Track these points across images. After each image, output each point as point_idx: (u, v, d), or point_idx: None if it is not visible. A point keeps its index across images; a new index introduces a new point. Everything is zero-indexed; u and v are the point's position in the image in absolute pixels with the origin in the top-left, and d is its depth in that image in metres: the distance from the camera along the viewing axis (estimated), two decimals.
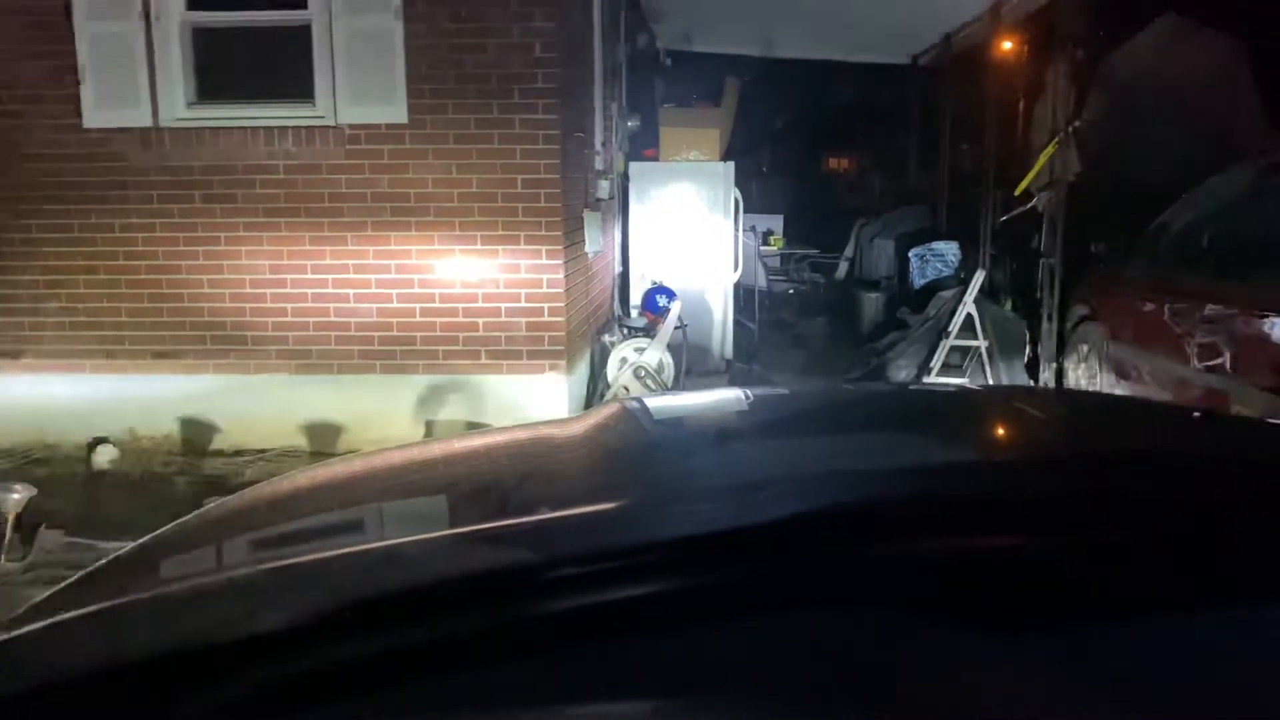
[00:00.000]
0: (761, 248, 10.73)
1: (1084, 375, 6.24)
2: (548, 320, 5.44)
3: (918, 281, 8.80)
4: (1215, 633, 1.00)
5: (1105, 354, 5.89)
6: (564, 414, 5.36)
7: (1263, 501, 1.24)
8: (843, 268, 11.31)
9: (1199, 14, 7.82)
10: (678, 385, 6.12)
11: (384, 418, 5.39)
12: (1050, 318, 6.67)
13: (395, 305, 5.46)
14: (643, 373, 6.05)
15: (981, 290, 6.92)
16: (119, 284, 5.53)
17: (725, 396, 2.45)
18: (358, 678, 0.94)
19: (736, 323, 7.96)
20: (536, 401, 5.39)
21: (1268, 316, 4.40)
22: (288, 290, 5.49)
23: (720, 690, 0.95)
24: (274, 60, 5.42)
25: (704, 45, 10.82)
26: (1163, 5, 8.00)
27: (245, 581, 1.28)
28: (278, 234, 5.44)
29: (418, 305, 5.46)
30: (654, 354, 6.11)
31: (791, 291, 11.49)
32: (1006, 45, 8.71)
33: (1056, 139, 6.84)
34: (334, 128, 5.34)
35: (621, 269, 7.88)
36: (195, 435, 5.52)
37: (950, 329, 6.80)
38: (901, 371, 7.11)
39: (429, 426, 5.48)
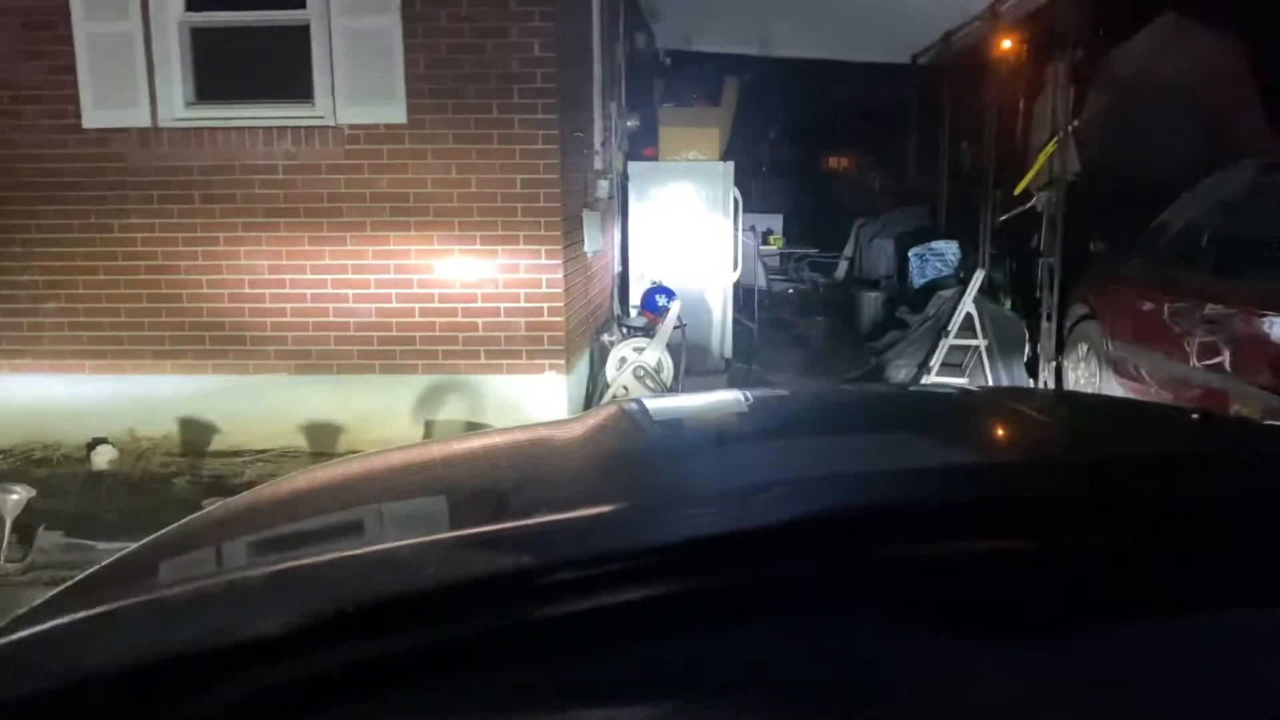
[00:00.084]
0: (761, 247, 10.71)
1: (1083, 374, 6.24)
2: (547, 320, 5.45)
3: (917, 281, 8.79)
4: (1215, 634, 1.00)
5: (1105, 353, 5.89)
6: (563, 413, 5.36)
7: (1262, 502, 1.24)
8: (842, 267, 11.31)
9: (1198, 13, 7.82)
10: (677, 385, 6.11)
11: (383, 418, 5.40)
12: (1049, 317, 6.66)
13: (394, 305, 5.47)
14: (642, 372, 6.04)
15: (981, 289, 6.91)
16: (118, 284, 5.54)
17: (724, 398, 2.45)
18: (358, 680, 0.94)
19: (736, 322, 7.96)
20: (536, 401, 5.39)
21: (1267, 316, 4.40)
22: (287, 290, 5.49)
23: (720, 692, 0.95)
24: (273, 60, 5.42)
25: (703, 45, 10.81)
26: (1162, 4, 7.99)
27: (246, 584, 1.28)
28: (277, 234, 5.44)
29: (417, 305, 5.47)
30: (653, 354, 6.11)
31: (791, 291, 11.48)
32: (1006, 44, 8.69)
33: (1056, 138, 6.84)
34: (333, 128, 5.34)
35: (621, 269, 7.87)
36: (194, 435, 5.52)
37: (950, 328, 6.79)
38: (901, 371, 7.10)
39: (428, 426, 5.48)
